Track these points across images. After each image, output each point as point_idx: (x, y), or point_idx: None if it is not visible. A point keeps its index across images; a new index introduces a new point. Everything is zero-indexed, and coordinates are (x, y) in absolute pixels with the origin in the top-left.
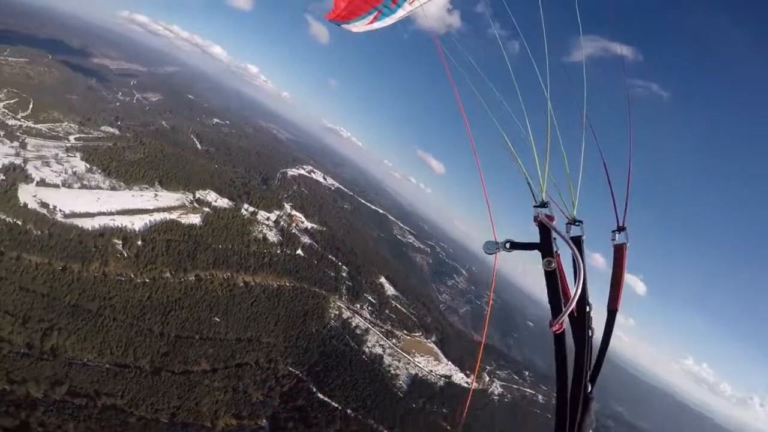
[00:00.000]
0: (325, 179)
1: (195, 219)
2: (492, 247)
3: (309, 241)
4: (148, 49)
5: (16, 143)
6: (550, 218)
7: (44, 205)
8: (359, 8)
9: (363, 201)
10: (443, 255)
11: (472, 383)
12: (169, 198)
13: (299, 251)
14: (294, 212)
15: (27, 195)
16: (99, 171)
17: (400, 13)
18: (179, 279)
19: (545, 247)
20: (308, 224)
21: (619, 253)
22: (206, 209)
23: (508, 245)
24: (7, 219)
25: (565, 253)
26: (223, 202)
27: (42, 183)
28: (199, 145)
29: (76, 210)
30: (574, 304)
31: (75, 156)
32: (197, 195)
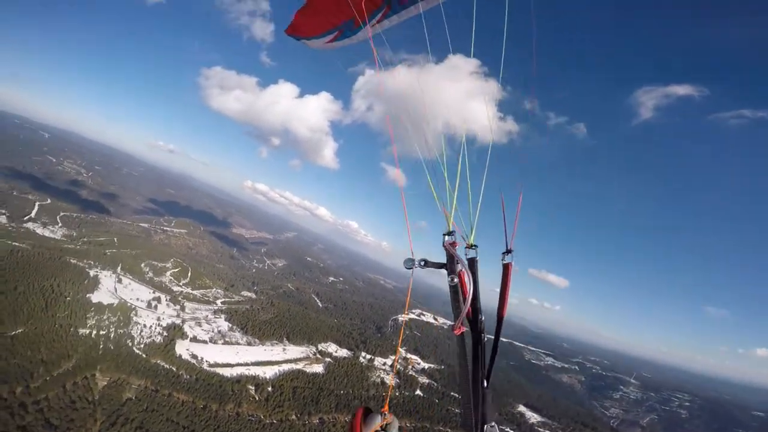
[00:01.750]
0: (435, 319)
1: (318, 368)
2: (409, 263)
3: (427, 381)
4: (271, 217)
5: (177, 306)
6: (453, 244)
7: (194, 356)
8: (320, 26)
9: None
10: (597, 369)
11: None
12: (295, 351)
13: (418, 391)
14: (409, 355)
15: (182, 348)
16: (238, 329)
17: (361, 36)
18: (304, 421)
19: (449, 267)
20: (425, 365)
21: (506, 270)
22: (328, 359)
23: (422, 263)
24: (165, 365)
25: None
26: (343, 352)
27: (194, 339)
28: (319, 303)
29: (219, 361)
30: (466, 309)
31: (220, 317)
32: (319, 347)
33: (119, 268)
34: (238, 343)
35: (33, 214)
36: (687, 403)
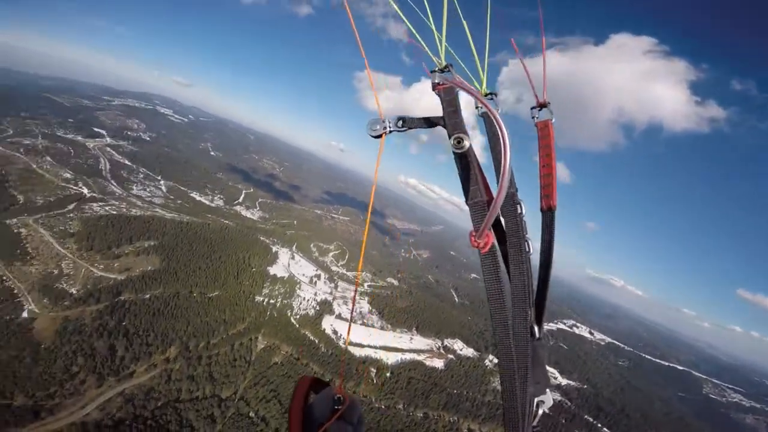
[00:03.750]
0: (591, 334)
1: (438, 363)
2: (375, 126)
3: (559, 398)
4: (420, 209)
5: (332, 285)
6: (452, 83)
7: (335, 332)
8: None
9: (648, 356)
10: None
11: None
12: (421, 342)
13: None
14: (547, 367)
15: (327, 323)
16: (376, 313)
17: None
18: (408, 412)
19: (452, 119)
20: (562, 380)
21: (544, 132)
22: (450, 356)
23: (400, 123)
24: (311, 337)
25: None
26: (468, 352)
27: (338, 316)
28: (456, 298)
29: (353, 339)
30: (501, 199)
31: (364, 299)
32: (445, 342)
33: (294, 246)
34: (373, 326)
35: (240, 200)
36: None
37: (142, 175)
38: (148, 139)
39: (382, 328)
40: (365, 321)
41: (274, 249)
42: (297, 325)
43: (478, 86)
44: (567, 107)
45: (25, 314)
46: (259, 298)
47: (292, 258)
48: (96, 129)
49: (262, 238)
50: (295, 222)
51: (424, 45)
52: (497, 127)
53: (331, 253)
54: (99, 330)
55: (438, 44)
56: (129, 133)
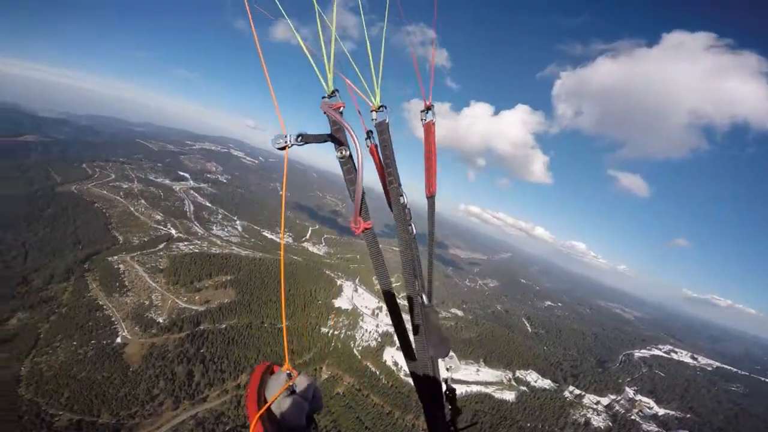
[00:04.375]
0: (694, 359)
1: (509, 396)
2: (279, 140)
3: (656, 429)
4: (485, 238)
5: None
6: (334, 107)
7: (395, 363)
8: None
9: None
10: None
11: None
12: (489, 374)
13: None
14: (639, 397)
15: (388, 354)
16: None
17: None
18: None
19: (336, 136)
20: (659, 410)
21: (429, 131)
22: (523, 388)
23: (299, 139)
24: (372, 368)
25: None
26: (544, 383)
27: (399, 348)
28: (529, 328)
29: (407, 373)
30: (359, 193)
31: None
32: (517, 374)
33: (357, 279)
34: None
35: (307, 236)
36: None
37: (220, 216)
38: (224, 181)
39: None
40: None
41: (338, 282)
42: (359, 357)
43: (373, 100)
44: (633, 117)
45: (118, 339)
46: (324, 330)
47: (356, 291)
48: (181, 173)
49: (327, 272)
50: (358, 256)
51: (319, 73)
52: (351, 138)
53: (392, 285)
54: (180, 356)
55: (327, 72)
56: (208, 175)
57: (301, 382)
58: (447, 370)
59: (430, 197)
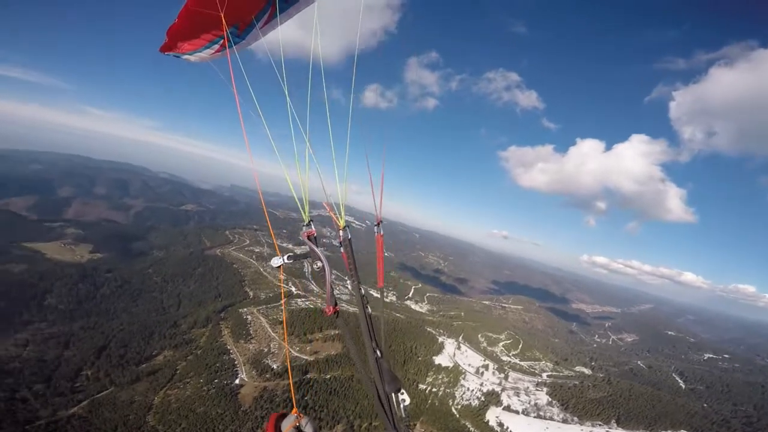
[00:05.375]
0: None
1: None
2: (277, 261)
3: None
4: (617, 289)
5: (501, 375)
6: (309, 235)
7: (500, 424)
8: (200, 41)
9: None
10: None
11: None
12: None
13: None
14: None
15: (492, 415)
16: (557, 405)
17: (251, 40)
18: None
19: (313, 254)
20: None
21: (378, 243)
22: None
23: (290, 257)
24: (471, 428)
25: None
26: None
27: (507, 408)
28: (682, 384)
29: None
30: (329, 290)
31: (542, 390)
32: None
33: (461, 337)
34: (552, 419)
35: (410, 294)
36: None
37: (334, 276)
38: (337, 244)
39: (564, 421)
40: (541, 413)
41: (440, 339)
42: (457, 415)
43: (339, 222)
44: None
45: (237, 381)
46: (422, 386)
47: (458, 348)
48: (300, 238)
49: (429, 329)
50: (462, 313)
51: (300, 206)
52: (319, 257)
53: (501, 343)
54: (285, 402)
55: (305, 205)
56: (324, 240)
57: (306, 424)
58: (402, 402)
59: (380, 288)
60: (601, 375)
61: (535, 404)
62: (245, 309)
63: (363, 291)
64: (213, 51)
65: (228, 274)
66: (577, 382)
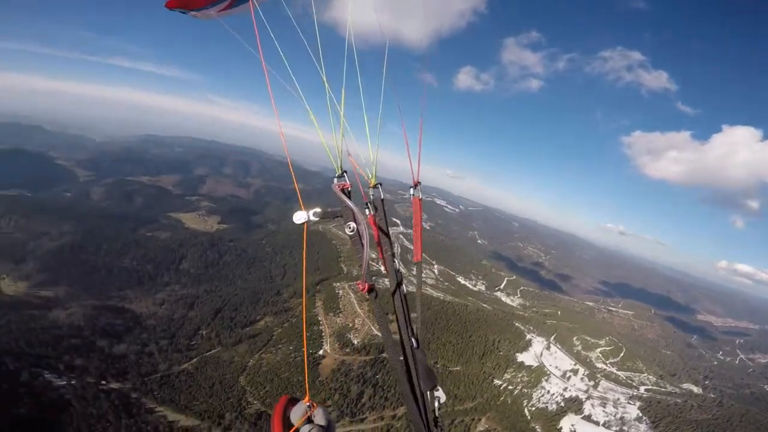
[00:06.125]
0: None
1: None
2: (302, 215)
3: None
4: (758, 302)
5: (591, 382)
6: (343, 187)
7: None
8: None
9: None
10: None
11: None
12: None
13: None
14: None
15: (567, 422)
16: (647, 422)
17: None
18: None
19: (345, 212)
20: None
21: (414, 207)
22: None
23: (316, 214)
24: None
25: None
26: None
27: (587, 418)
28: None
29: None
30: (365, 261)
31: (633, 404)
32: None
33: (552, 337)
34: None
35: (502, 286)
36: None
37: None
38: (427, 228)
39: None
40: (625, 429)
41: (528, 337)
42: (528, 417)
43: (369, 177)
44: None
45: (321, 352)
46: (497, 382)
47: (547, 348)
48: (395, 219)
49: (517, 324)
50: (559, 312)
51: (331, 155)
52: (354, 216)
53: (599, 349)
54: (359, 377)
55: (338, 154)
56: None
57: (318, 414)
58: (436, 399)
59: (417, 263)
60: (712, 395)
61: (621, 418)
62: (338, 284)
63: (397, 264)
64: (220, 8)
65: (328, 250)
66: (679, 400)
